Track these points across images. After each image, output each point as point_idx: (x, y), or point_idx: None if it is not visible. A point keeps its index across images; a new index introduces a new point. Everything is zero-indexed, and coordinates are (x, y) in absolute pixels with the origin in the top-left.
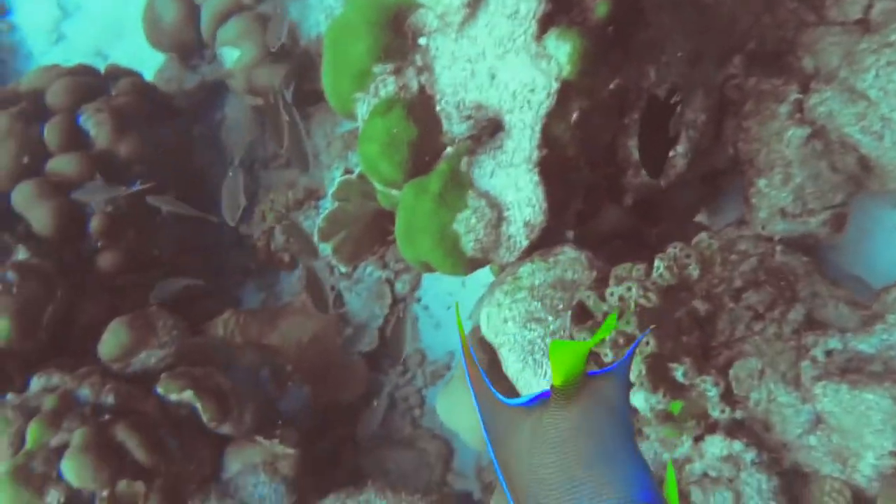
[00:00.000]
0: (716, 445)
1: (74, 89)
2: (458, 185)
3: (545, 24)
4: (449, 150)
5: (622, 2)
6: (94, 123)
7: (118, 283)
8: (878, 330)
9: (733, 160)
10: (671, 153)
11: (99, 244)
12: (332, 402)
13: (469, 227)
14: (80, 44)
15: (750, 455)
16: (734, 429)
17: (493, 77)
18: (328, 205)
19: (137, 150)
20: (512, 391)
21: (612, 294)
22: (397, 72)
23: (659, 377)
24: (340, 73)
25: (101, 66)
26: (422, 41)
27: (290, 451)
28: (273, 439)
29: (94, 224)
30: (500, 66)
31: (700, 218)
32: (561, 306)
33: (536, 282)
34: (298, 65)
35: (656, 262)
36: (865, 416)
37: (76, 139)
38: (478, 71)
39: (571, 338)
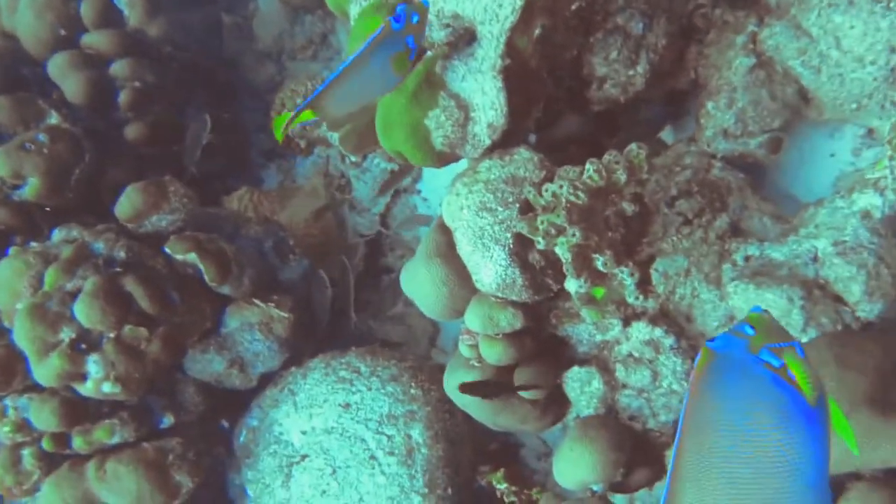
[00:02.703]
0: (640, 331)
1: None
2: (432, 86)
3: None
4: (428, 53)
5: None
6: (127, 3)
7: (144, 153)
8: (790, 241)
9: (694, 83)
10: (630, 71)
11: (127, 115)
12: (331, 279)
13: (439, 123)
14: None
15: (669, 341)
16: (659, 318)
17: None
18: None
19: (167, 31)
20: (464, 273)
21: (546, 190)
22: None
23: (583, 265)
24: None
25: None
26: None
27: (285, 314)
28: (270, 303)
29: (123, 97)
30: None
31: (664, 134)
32: (511, 199)
33: (492, 176)
34: None
35: (587, 165)
36: None
37: (110, 16)
38: None
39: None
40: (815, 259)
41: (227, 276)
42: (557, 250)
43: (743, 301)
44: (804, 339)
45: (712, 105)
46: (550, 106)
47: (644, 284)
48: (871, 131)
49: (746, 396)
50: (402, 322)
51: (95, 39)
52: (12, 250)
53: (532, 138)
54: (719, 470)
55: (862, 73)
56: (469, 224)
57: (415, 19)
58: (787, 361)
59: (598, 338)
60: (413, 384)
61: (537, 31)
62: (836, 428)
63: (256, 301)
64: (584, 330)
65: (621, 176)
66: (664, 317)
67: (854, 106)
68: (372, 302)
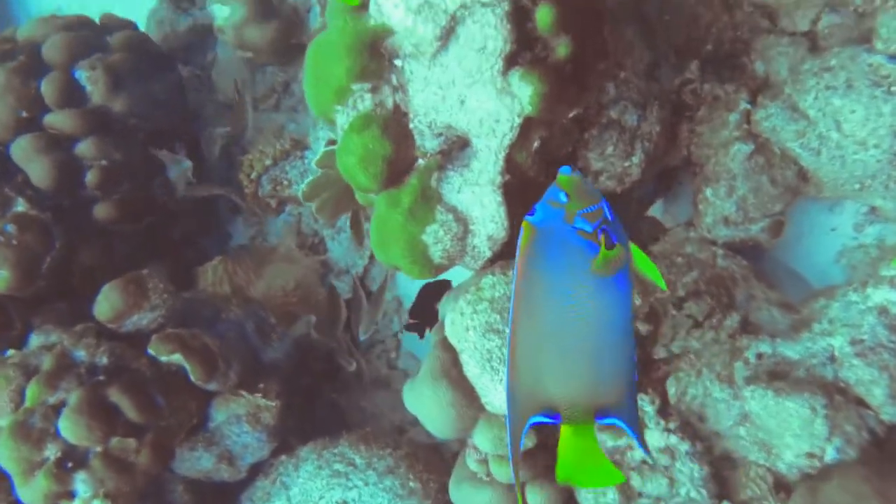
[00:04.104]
0: (654, 437)
1: (71, 45)
2: (428, 200)
3: (510, 61)
4: (420, 162)
5: (584, 38)
6: (89, 80)
7: (115, 230)
8: (803, 338)
9: (686, 160)
10: (626, 162)
11: (96, 194)
12: (312, 343)
13: (437, 238)
14: None
15: (685, 446)
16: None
17: (462, 102)
18: (312, 156)
19: (131, 105)
20: (472, 393)
21: None
22: (374, 90)
23: None
24: (322, 88)
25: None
26: (397, 62)
27: (272, 403)
28: (256, 393)
29: (91, 177)
30: (469, 94)
31: (655, 209)
32: None
33: (496, 294)
34: (286, 21)
35: None
36: (786, 421)
37: (73, 95)
38: (448, 96)
39: None
40: (832, 359)
41: (214, 374)
42: None
43: (761, 407)
44: (830, 449)
45: (711, 192)
46: None
47: (664, 407)
48: (874, 209)
49: (567, 267)
50: (386, 387)
51: (59, 120)
52: None
53: None
54: (550, 336)
55: (864, 155)
56: (476, 346)
57: None
58: (598, 242)
59: (610, 444)
60: (411, 476)
61: (535, 144)
62: (641, 266)
63: (243, 392)
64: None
65: (636, 299)
66: (677, 417)
67: (857, 186)
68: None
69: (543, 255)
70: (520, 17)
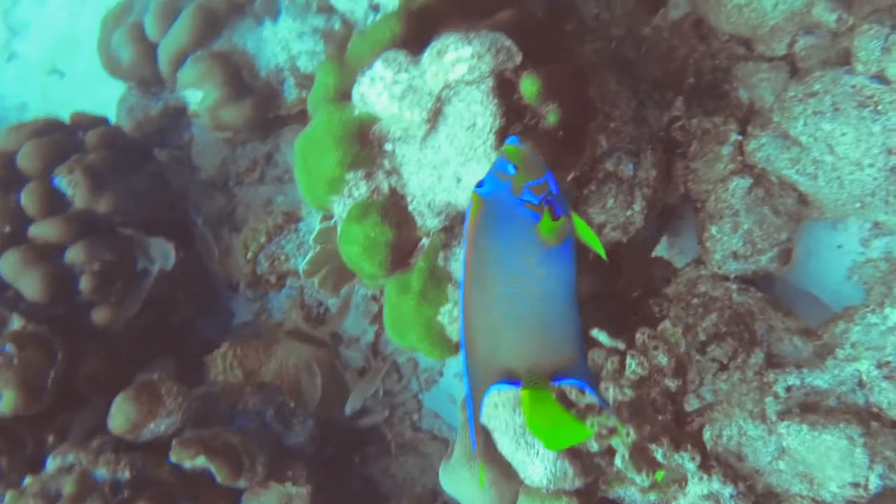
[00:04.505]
0: (696, 485)
1: (45, 151)
2: (438, 280)
3: (502, 135)
4: (424, 241)
5: (572, 101)
6: (69, 184)
7: (114, 330)
8: (829, 365)
9: (684, 196)
10: (628, 211)
11: (92, 299)
12: (332, 417)
13: (452, 317)
14: (34, 60)
15: (728, 490)
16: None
17: (458, 180)
18: (305, 227)
19: (115, 203)
20: (509, 469)
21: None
22: (368, 176)
23: (642, 460)
24: (315, 181)
25: (58, 84)
26: (388, 147)
27: (303, 489)
28: (286, 482)
29: (84, 283)
30: (465, 171)
31: (660, 248)
32: None
33: None
34: (261, 97)
35: (628, 360)
36: (825, 454)
37: (54, 202)
38: (444, 175)
39: None
40: (860, 384)
41: (240, 472)
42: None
43: (798, 443)
44: (873, 478)
45: (716, 229)
46: None
47: (704, 461)
48: (877, 223)
49: (515, 237)
50: (414, 451)
51: (44, 230)
52: (9, 496)
53: None
54: (501, 304)
55: (861, 174)
56: (507, 422)
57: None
58: (541, 214)
59: (652, 497)
60: None
61: None
62: (583, 236)
63: (272, 483)
64: (635, 492)
65: (662, 359)
66: (715, 461)
67: (858, 205)
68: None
69: (492, 227)
70: (505, 90)
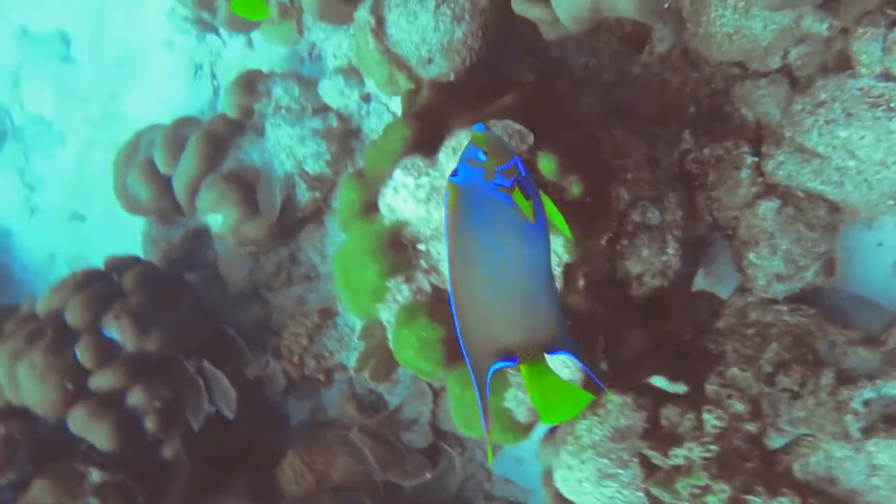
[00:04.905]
0: None
1: (89, 305)
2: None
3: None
4: None
5: (590, 168)
6: (117, 331)
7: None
8: None
9: (712, 225)
10: (664, 257)
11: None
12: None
13: (518, 400)
14: (55, 211)
15: None
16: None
17: None
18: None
19: (163, 339)
20: None
21: (676, 456)
22: (408, 280)
23: None
24: (358, 295)
25: (81, 228)
26: (421, 247)
27: None
28: None
29: (149, 423)
30: None
31: (698, 279)
32: (626, 457)
33: (596, 438)
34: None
35: (705, 416)
36: None
37: (107, 350)
38: None
39: (647, 492)
40: None
41: None
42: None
43: (889, 458)
44: None
45: (755, 255)
46: (613, 334)
47: (804, 500)
48: None
49: (492, 221)
50: None
51: (103, 380)
52: None
53: (603, 365)
54: (488, 285)
55: (888, 172)
56: (595, 497)
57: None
58: (513, 193)
59: None
60: None
61: (581, 283)
62: (553, 219)
63: None
64: None
65: (739, 407)
66: (809, 491)
67: (891, 202)
68: None
69: (470, 213)
70: None
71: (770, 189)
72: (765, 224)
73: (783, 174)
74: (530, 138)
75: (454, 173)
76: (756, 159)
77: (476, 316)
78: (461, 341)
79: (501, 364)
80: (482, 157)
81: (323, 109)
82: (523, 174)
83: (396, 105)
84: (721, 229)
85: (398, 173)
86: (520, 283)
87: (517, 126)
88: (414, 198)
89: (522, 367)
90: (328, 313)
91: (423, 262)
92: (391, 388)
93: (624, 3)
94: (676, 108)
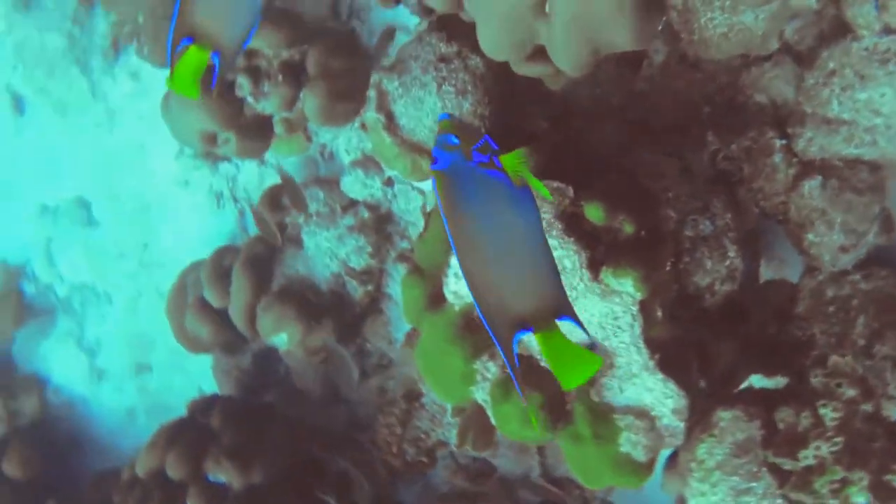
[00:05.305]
0: None
1: (188, 456)
2: (603, 417)
3: (594, 266)
4: None
5: (634, 203)
6: (222, 473)
7: None
8: None
9: (761, 215)
10: (727, 262)
11: None
12: None
13: (633, 442)
14: (122, 370)
15: None
16: None
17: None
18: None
19: (265, 468)
20: None
21: (805, 457)
22: (493, 356)
23: (886, 495)
24: (449, 385)
25: (150, 378)
26: None
27: None
28: None
29: None
30: (577, 308)
31: (762, 270)
32: (755, 468)
33: (719, 458)
34: (334, 309)
35: (821, 411)
36: None
37: (217, 494)
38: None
39: (787, 498)
40: None
41: None
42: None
43: None
44: None
45: (813, 235)
46: (701, 350)
47: None
48: None
49: (483, 196)
50: None
51: None
52: None
53: (702, 383)
54: (493, 259)
55: None
56: None
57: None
58: (491, 160)
59: None
60: None
61: (659, 314)
62: (532, 184)
63: None
64: None
65: (851, 392)
66: None
67: None
68: None
69: (460, 194)
70: (574, 225)
71: (807, 167)
72: (814, 202)
73: (816, 149)
74: (570, 191)
75: (434, 161)
76: (784, 142)
77: (489, 290)
78: (486, 323)
79: (522, 333)
80: (455, 140)
81: (351, 205)
82: (496, 148)
83: (420, 182)
84: (771, 217)
85: (455, 260)
86: (522, 251)
87: (555, 184)
88: None
89: (537, 335)
90: (413, 395)
91: None
92: (494, 453)
93: (621, 39)
94: (690, 111)
